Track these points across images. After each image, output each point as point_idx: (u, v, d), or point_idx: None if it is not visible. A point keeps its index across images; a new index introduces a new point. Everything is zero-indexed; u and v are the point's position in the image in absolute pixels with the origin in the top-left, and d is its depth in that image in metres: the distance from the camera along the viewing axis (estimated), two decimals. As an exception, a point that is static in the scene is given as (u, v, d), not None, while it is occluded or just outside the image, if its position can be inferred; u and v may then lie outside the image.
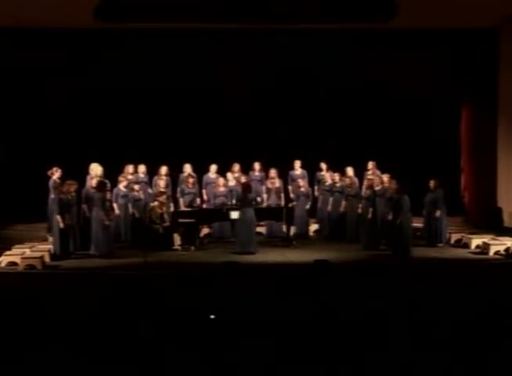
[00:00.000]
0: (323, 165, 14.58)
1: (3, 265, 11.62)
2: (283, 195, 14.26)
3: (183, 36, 15.00)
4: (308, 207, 14.30)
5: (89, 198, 12.71)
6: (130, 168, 13.87)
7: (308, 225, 14.49)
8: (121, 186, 13.41)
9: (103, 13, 13.75)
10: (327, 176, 14.35)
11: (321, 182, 14.55)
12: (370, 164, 14.37)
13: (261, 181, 14.43)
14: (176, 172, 14.29)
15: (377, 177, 13.56)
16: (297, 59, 15.45)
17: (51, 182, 12.97)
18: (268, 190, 14.26)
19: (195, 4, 13.80)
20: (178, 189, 14.03)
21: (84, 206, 12.77)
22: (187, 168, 14.21)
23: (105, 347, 6.47)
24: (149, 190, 13.97)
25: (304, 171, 14.64)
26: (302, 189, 14.28)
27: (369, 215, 13.04)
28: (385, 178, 13.33)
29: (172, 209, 13.71)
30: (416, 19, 14.23)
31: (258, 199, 13.85)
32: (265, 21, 14.24)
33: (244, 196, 12.86)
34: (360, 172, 14.33)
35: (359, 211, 13.44)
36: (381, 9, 14.10)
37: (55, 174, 13.03)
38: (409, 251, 12.34)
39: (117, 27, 14.54)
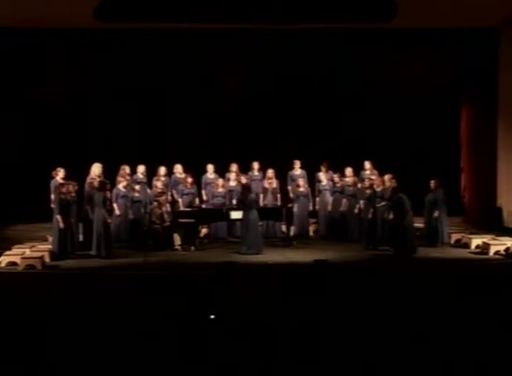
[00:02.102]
0: (323, 168, 14.53)
1: (3, 265, 11.61)
2: (279, 196, 14.26)
3: (183, 36, 15.00)
4: (310, 207, 14.30)
5: (90, 199, 12.69)
6: (127, 169, 13.82)
7: (308, 225, 14.49)
8: (120, 187, 13.41)
9: (103, 13, 13.76)
10: (322, 176, 14.33)
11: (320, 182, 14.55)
12: (367, 164, 14.36)
13: (262, 180, 14.41)
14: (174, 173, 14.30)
15: (379, 178, 13.55)
16: (297, 59, 15.47)
17: (53, 183, 12.97)
18: (265, 190, 14.24)
19: (195, 4, 13.81)
20: (174, 190, 13.98)
21: (88, 207, 12.75)
22: (178, 168, 14.21)
23: (104, 346, 6.47)
24: (148, 191, 13.96)
25: (304, 172, 14.61)
26: (301, 190, 14.26)
27: (370, 215, 13.05)
28: (387, 177, 13.32)
29: (169, 209, 13.67)
30: (416, 19, 14.25)
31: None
32: (264, 21, 14.25)
33: (245, 198, 12.84)
34: (358, 172, 14.33)
35: (356, 211, 13.55)
36: (381, 9, 14.10)
37: (59, 174, 13.03)
38: (415, 250, 12.34)
39: (117, 27, 14.55)
